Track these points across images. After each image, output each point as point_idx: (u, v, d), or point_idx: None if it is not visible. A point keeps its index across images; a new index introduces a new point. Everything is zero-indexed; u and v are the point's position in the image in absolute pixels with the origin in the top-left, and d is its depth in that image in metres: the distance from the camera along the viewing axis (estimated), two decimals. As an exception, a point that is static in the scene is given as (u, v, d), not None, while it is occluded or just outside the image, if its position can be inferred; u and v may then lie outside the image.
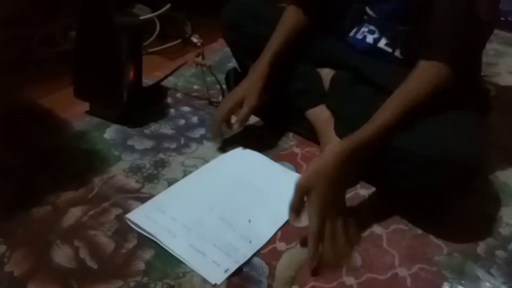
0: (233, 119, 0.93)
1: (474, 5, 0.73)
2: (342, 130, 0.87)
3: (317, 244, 0.69)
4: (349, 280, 0.69)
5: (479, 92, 0.88)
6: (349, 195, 0.85)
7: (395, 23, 0.86)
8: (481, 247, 0.75)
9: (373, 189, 0.86)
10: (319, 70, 0.99)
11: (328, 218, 0.70)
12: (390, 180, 0.80)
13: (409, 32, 0.84)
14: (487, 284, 0.68)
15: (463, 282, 0.68)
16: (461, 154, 0.70)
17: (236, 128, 0.91)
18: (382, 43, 0.88)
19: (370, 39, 0.89)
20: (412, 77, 0.76)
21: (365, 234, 0.77)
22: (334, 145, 0.76)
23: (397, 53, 0.87)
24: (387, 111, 0.74)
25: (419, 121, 0.74)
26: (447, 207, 0.82)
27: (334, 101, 0.93)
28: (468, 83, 0.80)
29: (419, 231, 0.78)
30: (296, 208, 0.71)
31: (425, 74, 0.76)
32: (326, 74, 0.98)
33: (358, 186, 0.87)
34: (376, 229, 0.78)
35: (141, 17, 1.36)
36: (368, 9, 0.89)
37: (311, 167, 0.72)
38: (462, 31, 0.75)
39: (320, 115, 0.94)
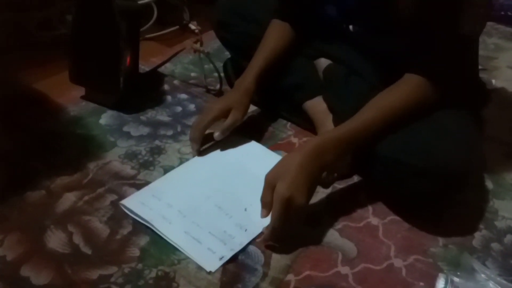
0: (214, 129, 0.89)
1: (458, 22, 0.71)
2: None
3: (276, 232, 0.70)
4: (344, 269, 0.69)
5: (475, 89, 0.88)
6: (345, 185, 0.85)
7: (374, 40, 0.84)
8: (476, 240, 0.75)
9: (370, 179, 0.86)
10: (315, 61, 0.98)
11: (290, 209, 0.68)
12: (381, 187, 0.81)
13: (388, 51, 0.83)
14: (483, 276, 0.68)
15: (458, 273, 0.68)
16: (452, 164, 0.70)
17: (217, 137, 0.88)
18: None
19: None
20: (394, 86, 0.76)
21: (361, 224, 0.77)
22: (312, 139, 0.78)
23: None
24: (367, 113, 0.75)
25: (404, 127, 0.74)
26: (444, 200, 0.82)
27: (330, 96, 0.92)
28: (461, 87, 0.79)
29: (415, 223, 0.77)
30: (265, 201, 0.70)
31: (405, 86, 0.76)
32: (323, 63, 0.98)
33: (355, 177, 0.86)
34: (373, 220, 0.78)
35: (139, 2, 1.34)
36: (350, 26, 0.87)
37: (281, 160, 0.73)
38: (445, 48, 0.74)
39: (317, 107, 0.93)
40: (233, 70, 1.10)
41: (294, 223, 0.70)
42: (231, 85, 1.10)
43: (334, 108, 0.90)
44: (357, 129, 0.73)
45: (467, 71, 0.84)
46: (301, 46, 0.97)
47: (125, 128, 0.96)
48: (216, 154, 0.91)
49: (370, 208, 0.80)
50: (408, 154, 0.72)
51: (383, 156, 0.75)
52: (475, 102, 0.86)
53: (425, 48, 0.75)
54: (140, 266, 0.68)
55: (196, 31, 1.08)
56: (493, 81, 1.18)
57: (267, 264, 0.69)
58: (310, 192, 0.71)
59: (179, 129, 0.97)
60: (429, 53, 0.75)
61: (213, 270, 0.68)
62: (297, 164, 0.69)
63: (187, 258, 0.69)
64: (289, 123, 1.01)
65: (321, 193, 0.83)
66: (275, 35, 0.95)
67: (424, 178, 0.71)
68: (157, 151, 0.91)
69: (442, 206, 0.80)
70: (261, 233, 0.73)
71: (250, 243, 0.72)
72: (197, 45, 1.07)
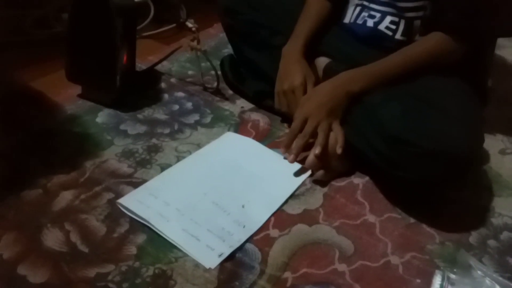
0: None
1: None
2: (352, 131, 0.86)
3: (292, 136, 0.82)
4: (341, 267, 0.69)
5: (482, 84, 0.90)
6: (343, 183, 0.85)
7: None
8: (473, 237, 0.76)
9: (367, 178, 0.86)
10: (315, 60, 0.98)
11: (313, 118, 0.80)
12: (386, 170, 0.79)
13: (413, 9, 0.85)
14: (479, 272, 0.68)
15: (455, 270, 0.69)
16: (457, 145, 0.70)
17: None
18: (383, 26, 0.87)
19: (370, 23, 0.88)
20: (421, 41, 0.83)
21: (358, 222, 0.77)
22: (342, 73, 0.84)
23: (398, 35, 0.86)
24: (394, 58, 0.82)
25: (420, 78, 0.80)
26: (441, 197, 0.82)
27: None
28: (475, 69, 0.84)
29: (412, 220, 0.78)
30: (295, 133, 0.82)
31: (431, 41, 0.82)
32: (322, 62, 0.97)
33: (352, 176, 0.86)
34: (370, 217, 0.78)
35: (136, 0, 1.33)
36: None
37: (313, 90, 0.86)
38: (470, 10, 0.78)
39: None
40: (230, 67, 1.10)
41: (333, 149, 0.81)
42: (228, 82, 1.10)
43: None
44: (385, 69, 0.82)
45: (486, 42, 0.88)
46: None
47: (122, 127, 0.96)
48: (213, 151, 0.91)
49: (367, 205, 0.80)
50: (418, 136, 0.72)
51: (393, 136, 0.74)
52: (483, 82, 0.90)
53: (451, 8, 0.79)
54: (137, 264, 0.68)
55: (193, 29, 1.07)
56: (491, 79, 1.18)
57: (264, 261, 0.69)
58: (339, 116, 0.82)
59: (176, 127, 0.97)
60: (451, 8, 0.79)
61: (212, 267, 0.68)
62: (327, 91, 0.82)
63: (184, 256, 0.69)
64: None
65: (318, 191, 0.83)
66: (316, 7, 0.97)
67: (431, 160, 0.71)
68: (154, 149, 0.91)
69: (440, 199, 0.80)
70: (259, 230, 0.74)
71: (247, 240, 0.72)
72: (194, 43, 1.06)
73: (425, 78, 0.81)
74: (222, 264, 0.68)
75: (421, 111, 0.75)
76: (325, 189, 0.83)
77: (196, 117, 1.01)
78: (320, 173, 0.83)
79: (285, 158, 0.85)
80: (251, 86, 1.06)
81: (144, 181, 0.82)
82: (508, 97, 1.15)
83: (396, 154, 0.75)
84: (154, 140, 0.93)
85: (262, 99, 1.03)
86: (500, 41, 1.42)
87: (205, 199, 0.78)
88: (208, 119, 1.00)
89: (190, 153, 0.90)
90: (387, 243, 0.73)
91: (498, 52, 1.35)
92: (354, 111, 0.83)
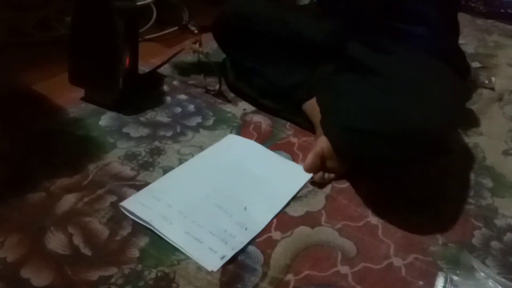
0: None
1: None
2: (325, 125, 0.87)
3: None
4: (344, 269, 0.69)
5: (458, 53, 0.92)
6: (345, 185, 0.85)
7: None
8: (476, 238, 0.75)
9: (369, 178, 0.86)
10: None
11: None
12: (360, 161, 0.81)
13: None
14: (482, 274, 0.68)
15: (458, 272, 0.68)
16: (422, 126, 0.68)
17: None
18: None
19: None
20: None
21: (361, 223, 0.77)
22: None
23: None
24: None
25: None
26: (443, 198, 0.82)
27: (318, 96, 0.93)
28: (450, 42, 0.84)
29: (415, 221, 0.78)
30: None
31: None
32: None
33: (354, 177, 0.86)
34: (372, 219, 0.78)
35: (138, 3, 1.34)
36: None
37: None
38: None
39: (316, 107, 0.93)
40: (231, 68, 1.10)
41: None
42: (228, 85, 1.10)
43: (320, 108, 0.91)
44: None
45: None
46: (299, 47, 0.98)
47: (125, 129, 0.97)
48: (215, 153, 0.91)
49: (369, 207, 0.80)
50: (383, 123, 0.70)
51: (349, 127, 0.75)
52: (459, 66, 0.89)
53: None
54: (140, 267, 0.68)
55: (195, 31, 1.08)
56: (493, 78, 1.18)
57: (266, 264, 0.69)
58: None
59: (178, 130, 0.98)
60: None
61: (214, 269, 0.68)
62: None
63: (186, 258, 0.69)
64: (288, 123, 1.01)
65: (320, 193, 0.83)
66: None
67: (399, 143, 0.70)
68: (157, 152, 0.91)
69: (442, 200, 0.81)
70: (261, 232, 0.74)
71: (250, 242, 0.72)
72: (196, 46, 1.07)
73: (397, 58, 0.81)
74: (224, 266, 0.68)
75: (379, 91, 0.74)
76: (327, 191, 0.83)
77: (198, 119, 1.01)
78: (319, 175, 0.83)
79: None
80: (253, 86, 1.06)
81: (146, 184, 0.82)
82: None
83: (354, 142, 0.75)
84: (156, 143, 0.93)
85: (264, 99, 1.04)
86: (500, 41, 1.42)
87: (207, 202, 0.79)
88: (210, 122, 1.00)
89: (192, 155, 0.90)
90: (389, 245, 0.73)
91: (498, 51, 1.35)
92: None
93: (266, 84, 1.01)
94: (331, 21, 0.96)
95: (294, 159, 0.91)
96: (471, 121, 1.04)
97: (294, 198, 0.81)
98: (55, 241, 0.71)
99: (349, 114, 0.76)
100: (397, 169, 0.76)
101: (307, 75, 0.97)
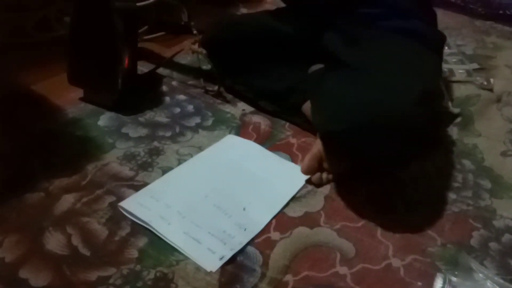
0: None
1: None
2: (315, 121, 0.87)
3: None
4: (343, 270, 0.69)
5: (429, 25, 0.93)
6: (343, 186, 0.85)
7: None
8: (475, 239, 0.75)
9: (368, 179, 0.86)
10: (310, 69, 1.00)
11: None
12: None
13: None
14: (481, 275, 0.68)
15: (456, 273, 0.69)
16: (387, 110, 0.69)
17: None
18: None
19: None
20: None
21: (359, 224, 0.77)
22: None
23: None
24: None
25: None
26: (442, 199, 0.82)
27: (310, 98, 0.94)
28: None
29: (414, 222, 0.78)
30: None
31: None
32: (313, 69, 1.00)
33: (353, 177, 0.86)
34: (371, 219, 0.78)
35: (139, 4, 1.34)
36: None
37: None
38: None
39: None
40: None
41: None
42: (226, 87, 1.10)
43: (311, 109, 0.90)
44: None
45: None
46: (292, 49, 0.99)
47: (124, 130, 0.97)
48: (214, 154, 0.91)
49: (368, 207, 0.80)
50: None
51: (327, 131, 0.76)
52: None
53: None
54: (138, 267, 0.68)
55: (195, 32, 1.08)
56: (492, 80, 1.19)
57: (265, 264, 0.69)
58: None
59: (177, 130, 0.98)
60: None
61: (213, 270, 0.68)
62: None
63: (185, 259, 0.69)
64: (287, 124, 1.01)
65: (319, 193, 0.83)
66: None
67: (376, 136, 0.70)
68: (156, 152, 0.91)
69: (441, 201, 0.81)
70: (260, 233, 0.74)
71: (248, 243, 0.72)
72: (195, 46, 1.07)
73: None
74: (223, 267, 0.68)
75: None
76: (326, 192, 0.83)
77: (197, 120, 1.01)
78: (316, 176, 0.83)
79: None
80: (250, 90, 1.06)
81: (145, 184, 0.82)
82: (510, 100, 1.14)
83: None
84: (155, 143, 0.93)
85: (262, 101, 1.04)
86: (499, 42, 1.42)
87: (206, 202, 0.79)
88: (209, 122, 1.01)
89: (191, 156, 0.90)
90: (388, 246, 0.73)
91: (497, 53, 1.36)
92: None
93: (262, 89, 1.02)
94: (299, 14, 0.98)
95: (293, 159, 0.91)
96: (470, 122, 1.04)
97: (293, 198, 0.81)
98: (54, 241, 0.71)
99: (326, 115, 0.77)
100: (389, 163, 0.77)
101: (300, 78, 0.98)
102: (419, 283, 0.68)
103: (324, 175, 0.84)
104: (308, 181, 0.84)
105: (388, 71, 0.74)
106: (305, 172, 0.83)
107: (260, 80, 1.02)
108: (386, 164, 0.83)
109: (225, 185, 0.83)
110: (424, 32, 0.86)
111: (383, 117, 0.69)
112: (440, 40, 0.93)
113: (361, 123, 0.70)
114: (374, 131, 0.70)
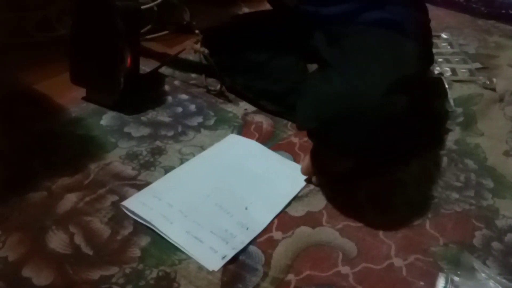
0: None
1: None
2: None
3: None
4: (345, 269, 0.69)
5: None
6: (345, 186, 0.85)
7: None
8: (477, 239, 0.75)
9: (370, 179, 0.86)
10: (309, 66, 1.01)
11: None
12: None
13: None
14: (483, 275, 0.68)
15: (459, 273, 0.68)
16: (358, 98, 0.68)
17: None
18: None
19: None
20: None
21: (362, 224, 0.77)
22: None
23: None
24: None
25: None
26: (444, 199, 0.82)
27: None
28: None
29: (416, 222, 0.78)
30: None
31: None
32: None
33: (355, 177, 0.86)
34: (373, 219, 0.78)
35: (143, 7, 1.34)
36: None
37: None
38: None
39: None
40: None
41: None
42: (226, 87, 1.10)
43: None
44: None
45: None
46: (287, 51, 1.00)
47: (126, 129, 0.97)
48: (216, 153, 0.91)
49: (370, 207, 0.80)
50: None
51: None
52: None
53: None
54: (141, 266, 0.68)
55: (196, 31, 1.08)
56: (494, 79, 1.18)
57: (267, 263, 0.69)
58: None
59: (179, 129, 0.98)
60: None
61: (215, 269, 0.68)
62: None
63: (187, 258, 0.70)
64: (289, 123, 1.01)
65: (321, 193, 0.83)
66: None
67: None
68: (158, 151, 0.91)
69: (443, 201, 0.80)
70: (262, 232, 0.74)
71: (251, 242, 0.72)
72: (197, 46, 1.07)
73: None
74: (225, 266, 0.69)
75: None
76: (328, 191, 0.83)
77: (199, 119, 1.01)
78: (316, 176, 0.83)
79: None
80: (250, 91, 1.06)
81: (147, 184, 0.82)
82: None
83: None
84: (157, 143, 0.93)
85: (263, 100, 1.04)
86: (501, 42, 1.42)
87: (208, 201, 0.79)
88: (211, 121, 1.01)
89: (193, 155, 0.90)
90: (390, 245, 0.73)
91: (499, 52, 1.35)
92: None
93: (262, 89, 1.03)
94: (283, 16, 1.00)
95: (295, 159, 0.91)
96: (472, 121, 1.04)
97: (295, 198, 0.81)
98: (56, 241, 0.71)
99: (301, 115, 0.79)
100: (384, 158, 0.77)
101: (299, 79, 0.98)
102: (421, 283, 0.68)
103: (323, 176, 0.83)
104: (308, 181, 0.84)
105: (358, 64, 0.75)
106: (304, 173, 0.83)
107: (260, 81, 1.02)
108: (381, 159, 0.83)
109: (227, 184, 0.83)
110: (401, 20, 0.85)
111: (352, 109, 0.68)
112: (422, 23, 0.92)
113: (331, 118, 0.70)
114: (346, 124, 0.69)
